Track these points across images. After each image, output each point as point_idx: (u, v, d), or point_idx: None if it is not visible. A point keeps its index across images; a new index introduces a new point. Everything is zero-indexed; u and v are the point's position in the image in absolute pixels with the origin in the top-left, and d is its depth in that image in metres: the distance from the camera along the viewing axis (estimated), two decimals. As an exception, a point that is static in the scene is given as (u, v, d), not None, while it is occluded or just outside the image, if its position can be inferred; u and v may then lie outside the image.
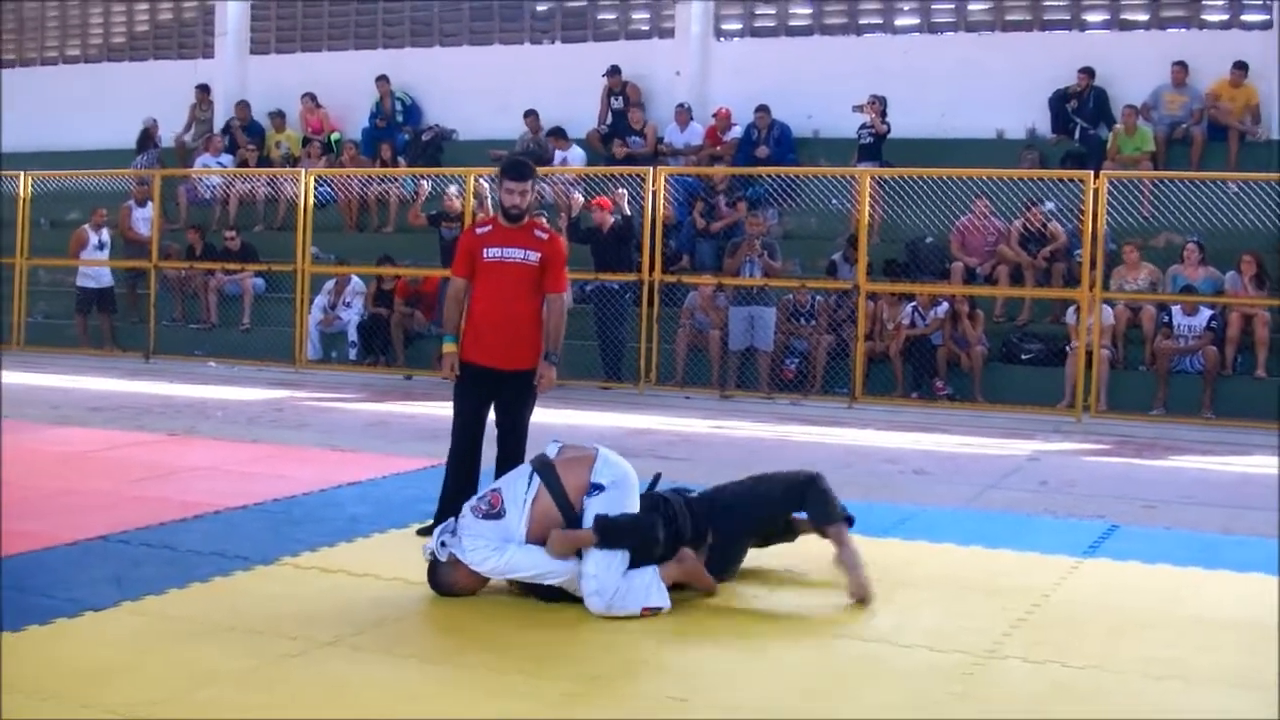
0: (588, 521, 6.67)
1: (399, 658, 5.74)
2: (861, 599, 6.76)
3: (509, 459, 7.99)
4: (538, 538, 6.69)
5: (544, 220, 8.93)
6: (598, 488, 6.81)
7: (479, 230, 8.27)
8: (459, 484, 7.95)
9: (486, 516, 6.76)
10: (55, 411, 13.42)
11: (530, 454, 7.34)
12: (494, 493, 6.89)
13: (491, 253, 8.03)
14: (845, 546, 6.95)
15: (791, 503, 7.19)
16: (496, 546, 6.64)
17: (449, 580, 6.77)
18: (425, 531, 7.76)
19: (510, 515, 6.74)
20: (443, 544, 6.74)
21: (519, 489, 6.84)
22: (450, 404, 8.27)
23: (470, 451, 8.09)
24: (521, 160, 8.44)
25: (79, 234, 20.17)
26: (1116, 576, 7.46)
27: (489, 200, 17.39)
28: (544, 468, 6.88)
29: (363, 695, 5.26)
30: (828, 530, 7.05)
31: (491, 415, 8.16)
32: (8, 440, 11.12)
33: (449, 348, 8.16)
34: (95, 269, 20.21)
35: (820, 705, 5.22)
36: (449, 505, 7.74)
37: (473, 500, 6.96)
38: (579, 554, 6.61)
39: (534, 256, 8.02)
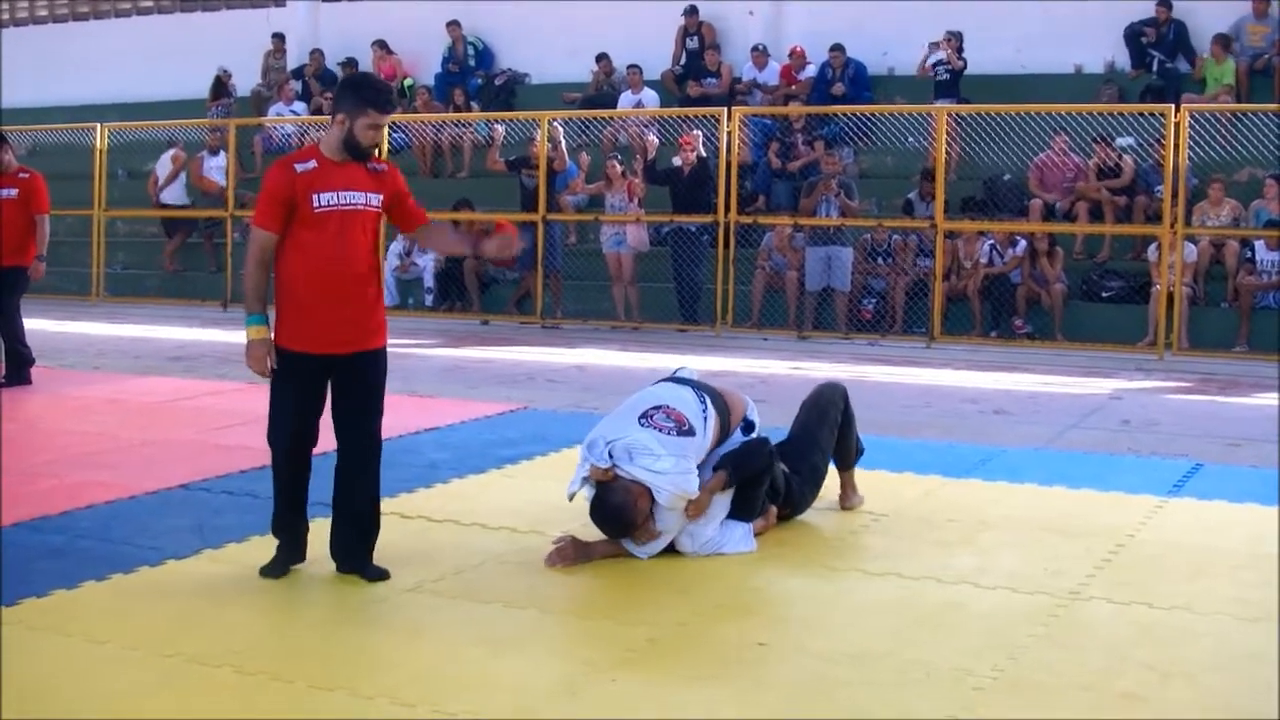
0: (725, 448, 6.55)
1: (481, 603, 5.72)
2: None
3: (356, 488, 6.09)
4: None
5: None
6: (749, 424, 6.74)
7: (299, 167, 5.91)
8: (290, 506, 6.13)
9: (681, 434, 6.26)
10: (137, 361, 13.54)
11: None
12: (667, 408, 6.32)
13: (325, 199, 5.85)
14: (848, 487, 7.39)
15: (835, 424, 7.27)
16: (692, 469, 6.21)
17: (621, 501, 6.10)
18: (269, 571, 6.07)
19: (699, 434, 6.33)
20: (609, 455, 6.13)
21: (690, 405, 6.41)
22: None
23: (298, 475, 6.13)
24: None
25: (195, 161, 20.50)
26: (1202, 516, 7.37)
27: (563, 144, 17.31)
28: (706, 389, 6.64)
29: (445, 641, 5.26)
30: (843, 475, 7.39)
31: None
32: (92, 390, 11.27)
33: (257, 332, 5.88)
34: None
35: (902, 648, 5.18)
36: (281, 528, 6.17)
37: (632, 412, 6.33)
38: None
39: (376, 199, 6.01)
